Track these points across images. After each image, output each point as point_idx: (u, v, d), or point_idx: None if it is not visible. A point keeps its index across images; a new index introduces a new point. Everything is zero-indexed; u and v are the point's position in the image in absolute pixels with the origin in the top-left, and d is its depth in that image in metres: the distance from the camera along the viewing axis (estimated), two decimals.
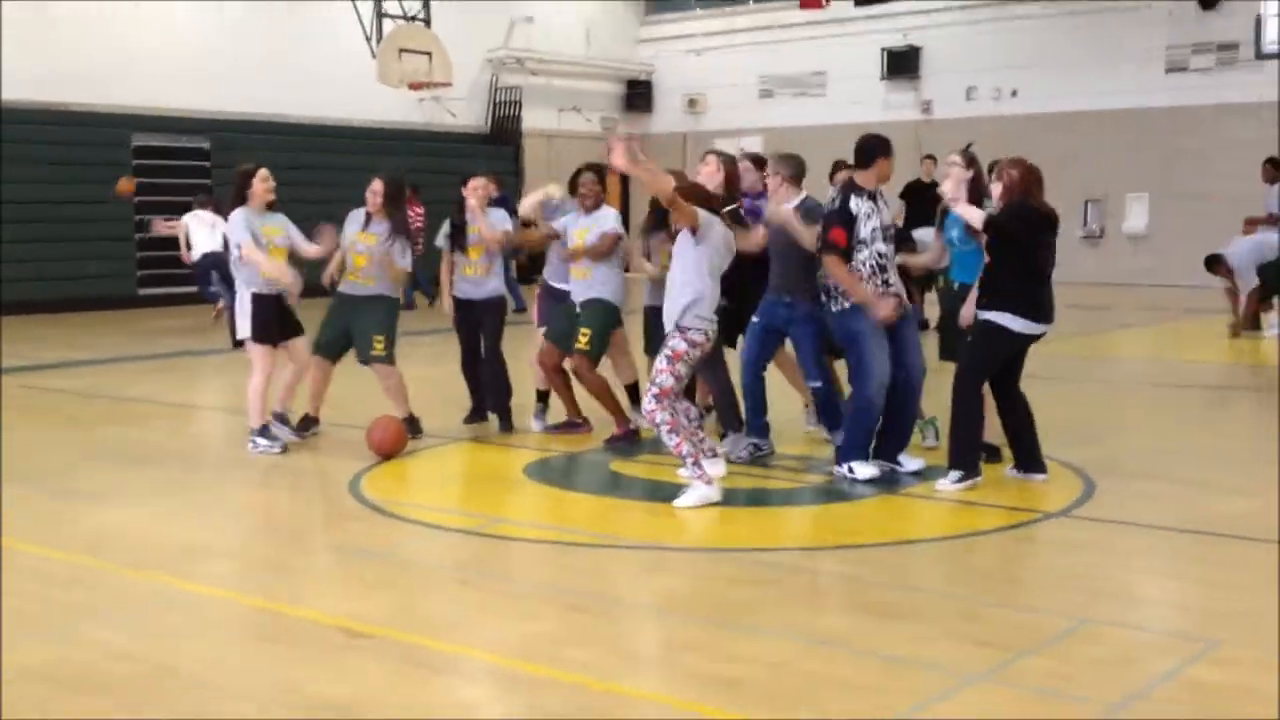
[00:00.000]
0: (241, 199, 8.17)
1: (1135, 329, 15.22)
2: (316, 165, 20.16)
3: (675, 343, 6.77)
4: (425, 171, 19.03)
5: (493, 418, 8.99)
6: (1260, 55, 18.95)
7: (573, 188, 8.73)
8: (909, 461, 7.41)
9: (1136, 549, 6.12)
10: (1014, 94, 22.53)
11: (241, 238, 8.01)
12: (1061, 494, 6.92)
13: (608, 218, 8.56)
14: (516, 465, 7.92)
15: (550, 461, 8.13)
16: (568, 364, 8.54)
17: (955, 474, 6.94)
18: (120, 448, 8.62)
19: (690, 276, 6.75)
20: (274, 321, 8.16)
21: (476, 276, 8.86)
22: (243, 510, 7.11)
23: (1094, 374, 12.45)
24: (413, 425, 8.52)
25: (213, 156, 20.14)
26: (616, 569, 5.85)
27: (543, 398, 9.03)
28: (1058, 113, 21.53)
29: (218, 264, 14.43)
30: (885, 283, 7.22)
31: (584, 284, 8.49)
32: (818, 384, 7.81)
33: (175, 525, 6.54)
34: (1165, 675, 4.33)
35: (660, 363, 6.81)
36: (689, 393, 8.19)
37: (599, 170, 8.62)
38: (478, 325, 8.98)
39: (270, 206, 8.23)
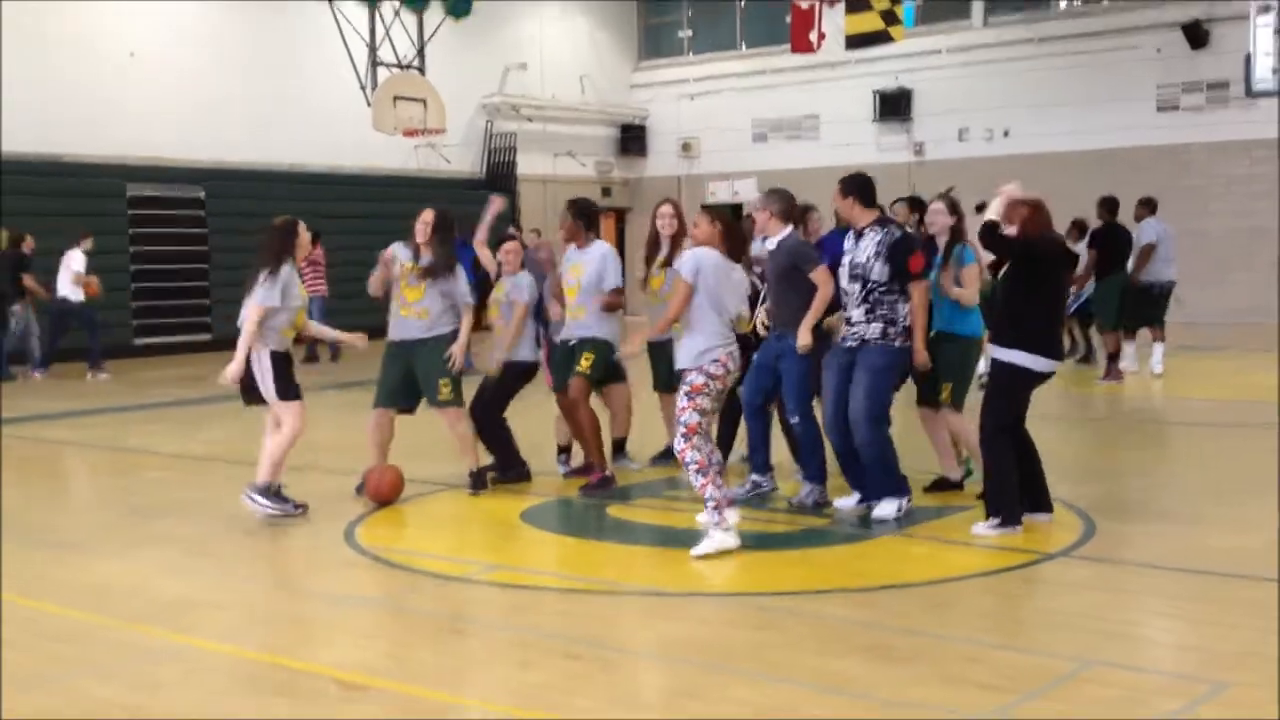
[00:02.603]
0: (286, 253, 7.67)
1: (1128, 365, 15.21)
2: (312, 213, 20.15)
3: (693, 378, 6.68)
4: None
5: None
6: (1251, 93, 19.04)
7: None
8: (880, 508, 7.36)
9: (1139, 589, 6.09)
10: (1006, 134, 22.65)
11: (275, 302, 7.52)
12: (1062, 534, 6.89)
13: (604, 261, 8.40)
14: (514, 511, 7.88)
15: (548, 507, 8.09)
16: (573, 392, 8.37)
17: (994, 520, 6.87)
18: (117, 498, 8.58)
19: (694, 323, 6.73)
20: (293, 378, 7.73)
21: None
22: (239, 561, 7.04)
23: (1089, 411, 12.43)
24: (476, 479, 8.28)
25: (208, 205, 20.19)
26: (616, 615, 5.81)
27: (564, 449, 8.97)
28: (1050, 153, 21.64)
29: None
30: (847, 320, 7.31)
31: (578, 324, 8.43)
32: (796, 419, 7.74)
33: (171, 577, 6.49)
34: (1171, 717, 4.29)
35: (681, 401, 6.73)
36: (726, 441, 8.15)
37: (581, 207, 8.59)
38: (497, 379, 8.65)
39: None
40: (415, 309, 8.12)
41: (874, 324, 7.27)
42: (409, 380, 8.22)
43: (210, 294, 19.68)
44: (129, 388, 15.47)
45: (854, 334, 7.33)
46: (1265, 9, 18.12)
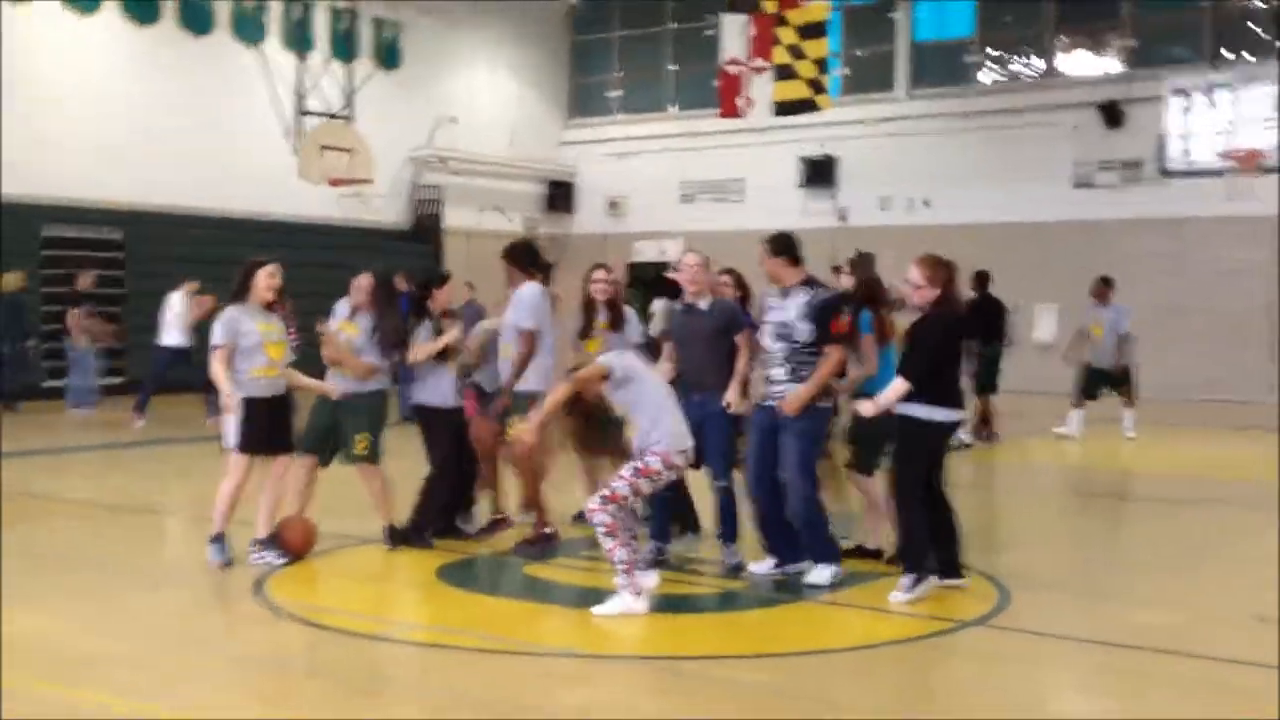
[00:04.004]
0: (242, 293, 7.71)
1: (1043, 437, 15.48)
2: (232, 259, 19.90)
3: (650, 460, 6.64)
4: (344, 267, 18.88)
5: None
6: (1164, 172, 19.59)
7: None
8: (814, 573, 7.32)
9: (1053, 660, 6.13)
10: (927, 204, 23.03)
11: (219, 340, 7.51)
12: (978, 603, 6.92)
13: (524, 299, 8.21)
14: (429, 568, 7.75)
15: (464, 564, 7.97)
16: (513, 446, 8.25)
17: (909, 579, 6.87)
18: (21, 548, 8.30)
19: (639, 410, 6.74)
20: (257, 429, 7.59)
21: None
22: (146, 616, 6.82)
23: (1004, 481, 12.58)
24: (393, 534, 8.16)
25: (127, 248, 19.86)
26: (530, 678, 5.72)
27: (470, 503, 8.79)
28: (970, 224, 22.00)
29: None
30: (768, 379, 7.35)
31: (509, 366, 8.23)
32: (724, 484, 7.69)
33: (76, 633, 6.28)
34: None
35: (626, 470, 6.69)
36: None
37: (515, 252, 8.53)
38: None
39: (269, 307, 7.76)
40: (341, 368, 8.10)
41: (796, 385, 7.27)
42: (331, 433, 8.13)
43: (127, 336, 19.28)
44: (37, 431, 15.08)
45: (776, 394, 7.34)
46: (1178, 92, 18.71)
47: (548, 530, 8.25)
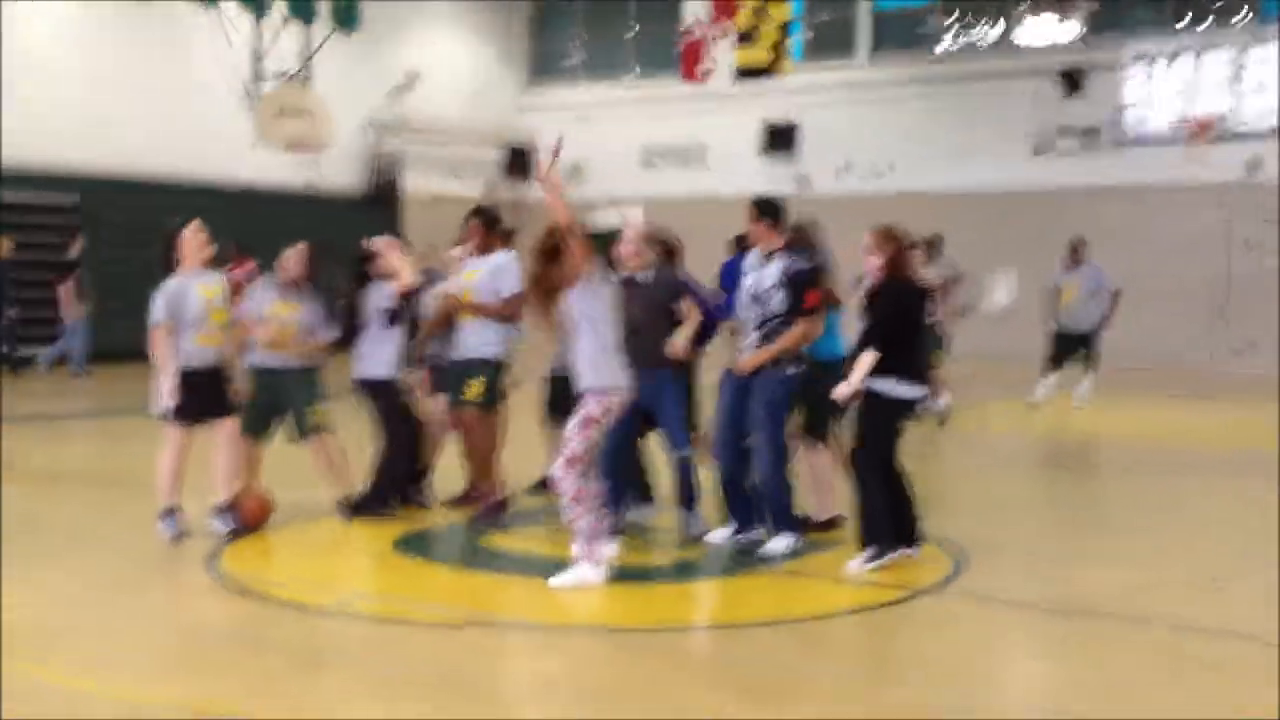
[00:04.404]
0: (172, 263, 7.56)
1: (1000, 402, 15.57)
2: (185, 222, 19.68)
3: (591, 406, 6.57)
4: (303, 233, 18.68)
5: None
6: (1121, 142, 19.67)
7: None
8: (774, 543, 7.31)
9: (1010, 627, 6.17)
10: (888, 171, 23.03)
11: (161, 317, 7.39)
12: (933, 570, 6.95)
13: (505, 267, 8.20)
14: (386, 539, 7.71)
15: (421, 535, 7.93)
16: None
17: (868, 553, 6.86)
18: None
19: (587, 336, 6.59)
20: (195, 399, 7.47)
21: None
22: (95, 587, 6.76)
23: (959, 448, 12.64)
24: (350, 506, 8.09)
25: (83, 212, 19.57)
26: (484, 650, 5.69)
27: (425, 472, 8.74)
28: (930, 191, 22.03)
29: None
30: (740, 347, 7.36)
31: (467, 341, 8.16)
32: (684, 454, 7.66)
33: (23, 604, 6.19)
34: None
35: (572, 428, 6.63)
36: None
37: (486, 215, 8.48)
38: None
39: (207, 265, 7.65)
40: (277, 343, 7.99)
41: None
42: (275, 408, 8.06)
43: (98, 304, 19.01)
44: (28, 399, 14.87)
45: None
46: (1139, 58, 18.76)
47: (498, 498, 8.21)
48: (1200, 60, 18.39)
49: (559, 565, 6.67)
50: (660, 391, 7.53)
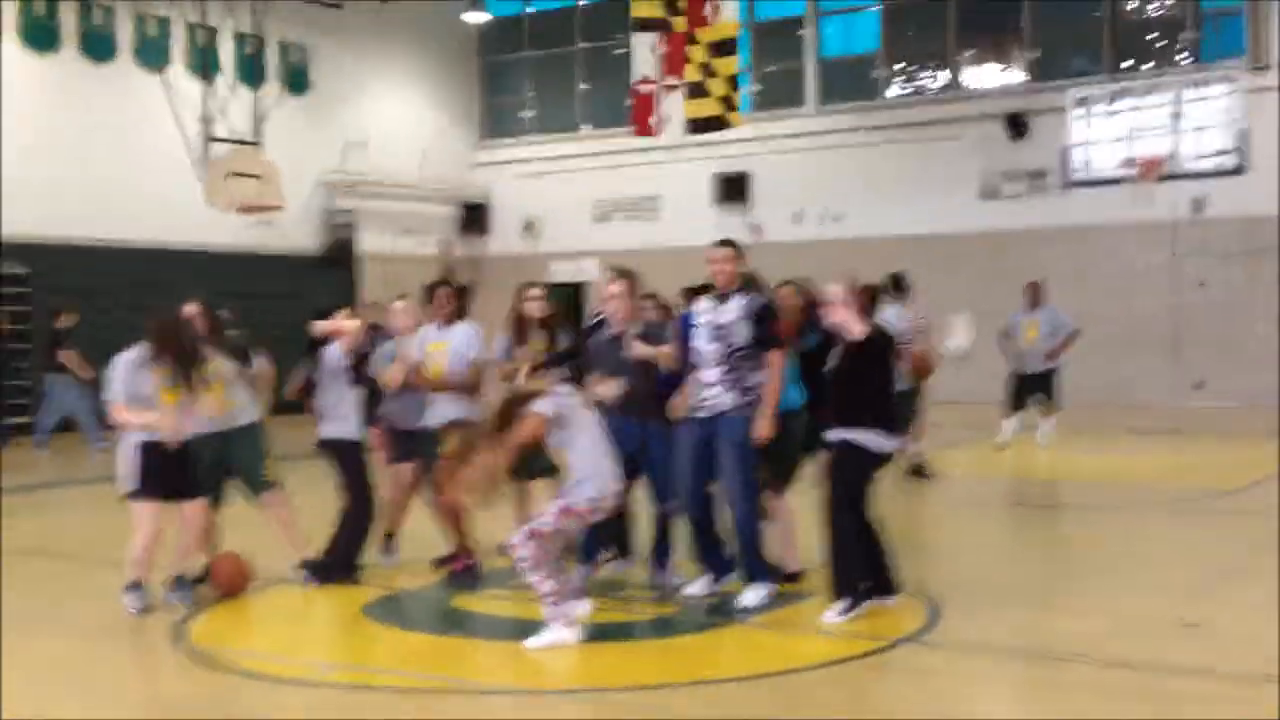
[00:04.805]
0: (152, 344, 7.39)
1: (961, 447, 15.63)
2: (143, 289, 19.49)
3: (579, 502, 6.55)
4: (256, 295, 18.58)
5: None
6: (1067, 184, 19.94)
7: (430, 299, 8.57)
8: (746, 596, 7.28)
9: (987, 675, 6.16)
10: (840, 218, 23.21)
11: (119, 396, 7.26)
12: (909, 619, 6.93)
13: (467, 337, 8.26)
14: (354, 605, 7.61)
15: (390, 599, 7.84)
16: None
17: (842, 604, 6.84)
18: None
19: (572, 451, 6.63)
20: (160, 475, 7.33)
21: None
22: (61, 666, 6.60)
23: (926, 493, 12.68)
24: (313, 568, 7.99)
25: (32, 282, 19.34)
26: (464, 716, 5.62)
27: (390, 535, 8.68)
28: (881, 236, 22.23)
29: None
30: (700, 384, 7.32)
31: (441, 406, 8.19)
32: (671, 506, 7.62)
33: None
34: None
35: (553, 507, 6.61)
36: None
37: (455, 285, 8.55)
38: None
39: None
40: (219, 405, 7.86)
41: (731, 391, 7.24)
42: (218, 470, 7.93)
43: (33, 375, 18.76)
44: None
45: (710, 401, 7.28)
46: (1081, 102, 19.07)
47: (470, 561, 8.16)
48: (1143, 102, 18.71)
49: (533, 626, 6.61)
50: (648, 443, 7.53)
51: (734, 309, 7.31)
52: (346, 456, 8.23)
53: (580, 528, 6.74)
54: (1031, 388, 15.18)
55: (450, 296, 8.45)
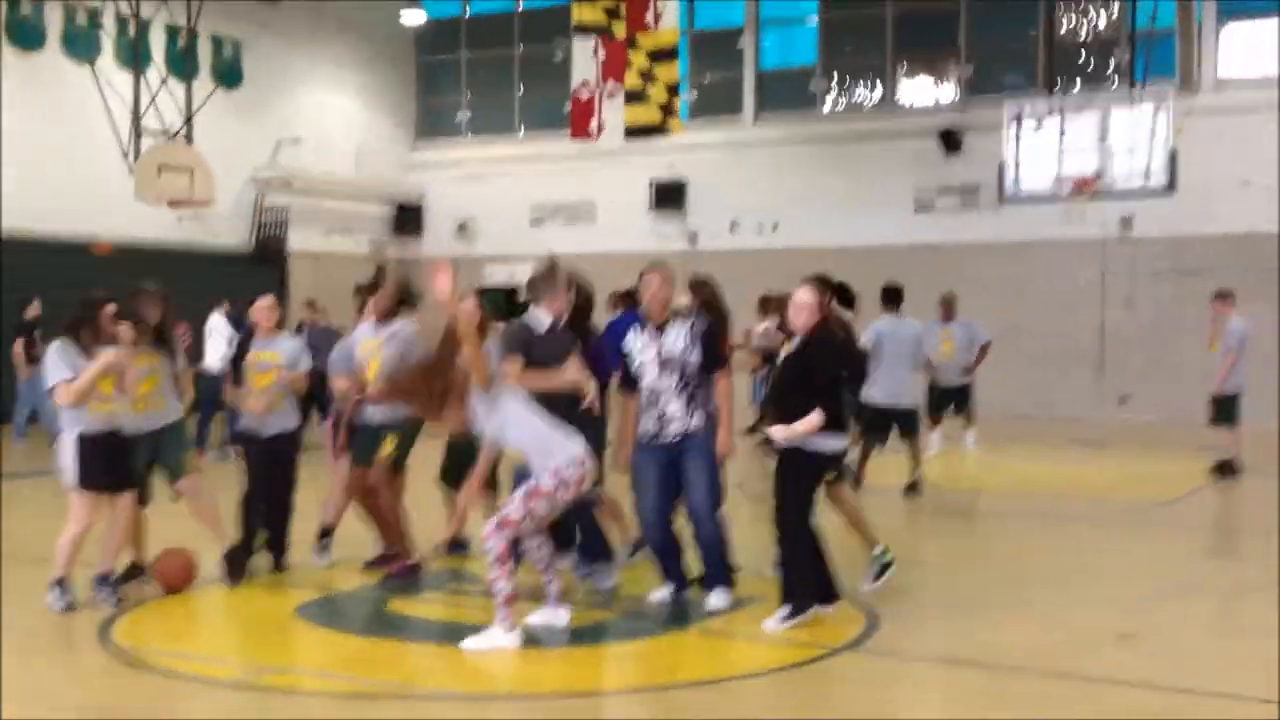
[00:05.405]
0: (78, 328, 7.26)
1: (897, 455, 15.71)
2: (70, 284, 19.04)
3: (543, 478, 6.44)
4: (184, 291, 18.21)
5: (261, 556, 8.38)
6: (1003, 199, 20.17)
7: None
8: (713, 598, 7.28)
9: (926, 684, 6.17)
10: (775, 228, 23.31)
11: (64, 376, 7.09)
12: (847, 627, 6.92)
13: (408, 337, 8.12)
14: (289, 606, 7.46)
15: (326, 601, 7.69)
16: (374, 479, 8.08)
17: (784, 611, 6.81)
18: None
19: (517, 432, 6.49)
20: (103, 467, 7.21)
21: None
22: None
23: (861, 501, 12.70)
24: (234, 562, 7.87)
25: None
26: (399, 719, 5.53)
27: (327, 533, 8.53)
28: (816, 247, 22.30)
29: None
30: (663, 416, 7.22)
31: (381, 405, 8.01)
32: (593, 494, 7.64)
33: None
34: None
35: (518, 492, 6.51)
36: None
37: (395, 286, 8.42)
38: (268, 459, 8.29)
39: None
40: (147, 402, 7.72)
41: (696, 415, 7.23)
42: (146, 468, 7.80)
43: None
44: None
45: (677, 429, 7.23)
46: (1015, 119, 19.30)
47: (411, 562, 8.06)
48: (1075, 121, 18.98)
49: (469, 629, 6.52)
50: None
51: (680, 337, 7.25)
52: (284, 451, 8.23)
53: (552, 509, 6.56)
54: (948, 401, 15.38)
55: (387, 297, 8.36)
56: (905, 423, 12.25)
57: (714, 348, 7.30)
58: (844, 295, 7.37)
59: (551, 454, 6.46)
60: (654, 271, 7.40)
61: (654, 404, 7.24)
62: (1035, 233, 20.95)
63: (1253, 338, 13.79)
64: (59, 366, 7.16)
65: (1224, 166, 19.33)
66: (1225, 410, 13.50)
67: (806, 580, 6.88)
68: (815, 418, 6.77)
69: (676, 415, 7.22)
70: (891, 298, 12.47)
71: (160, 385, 7.79)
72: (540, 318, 7.55)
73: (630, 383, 7.34)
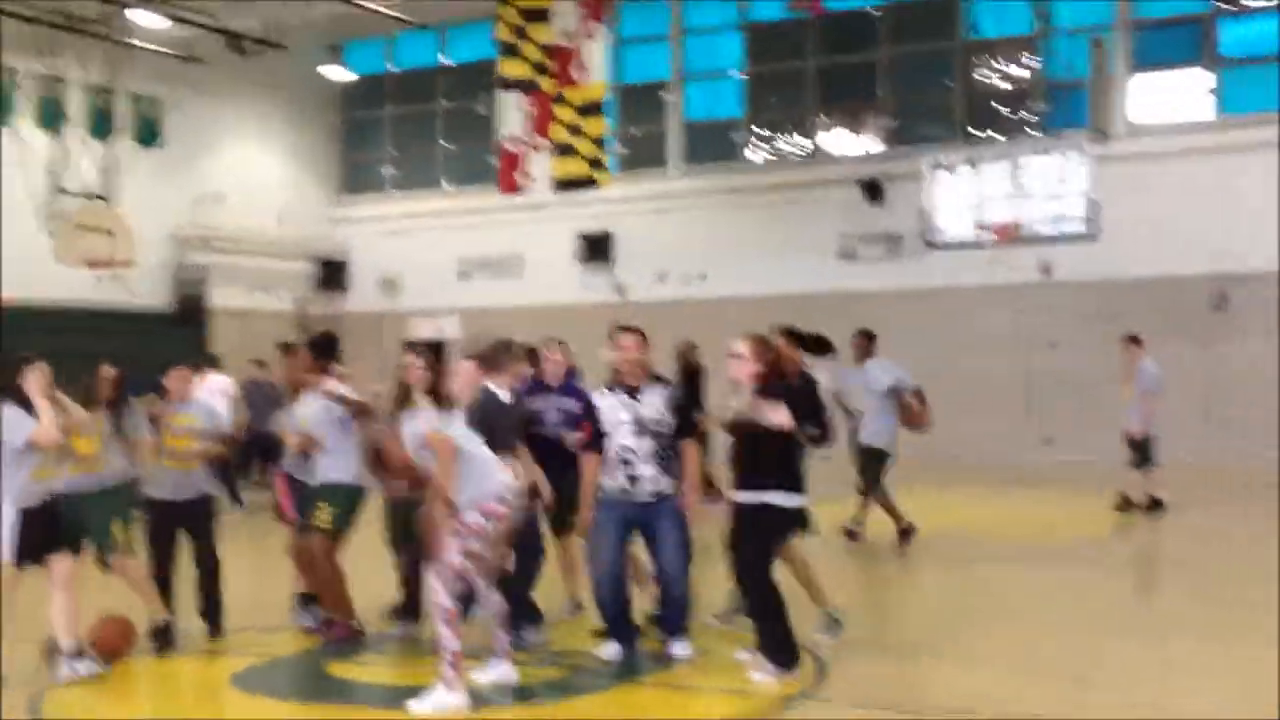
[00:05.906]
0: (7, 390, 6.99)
1: (836, 500, 15.75)
2: None
3: (469, 516, 6.38)
4: (105, 353, 17.87)
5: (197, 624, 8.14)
6: (928, 244, 20.45)
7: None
8: (678, 647, 7.27)
9: None
10: (703, 278, 23.43)
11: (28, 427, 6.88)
12: (802, 674, 6.85)
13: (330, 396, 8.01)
14: (223, 674, 7.27)
15: (260, 668, 7.48)
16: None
17: (773, 666, 6.75)
18: None
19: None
20: (40, 538, 6.98)
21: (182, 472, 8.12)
22: None
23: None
24: (164, 634, 7.63)
25: None
26: None
27: (308, 599, 8.24)
28: (742, 296, 22.47)
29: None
30: (630, 477, 7.18)
31: (320, 461, 7.93)
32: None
33: None
34: None
35: (451, 539, 6.40)
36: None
37: (315, 343, 8.33)
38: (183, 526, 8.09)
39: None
40: (88, 462, 7.51)
41: (665, 477, 7.22)
42: (80, 532, 7.46)
43: None
44: None
45: (650, 488, 7.20)
46: (934, 169, 19.64)
47: (354, 625, 7.88)
48: (993, 169, 19.35)
49: (412, 693, 6.38)
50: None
51: (655, 401, 7.26)
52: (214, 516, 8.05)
53: (486, 545, 6.49)
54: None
55: (308, 356, 8.24)
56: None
57: (689, 414, 7.44)
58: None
59: (469, 482, 6.41)
60: (629, 333, 7.37)
61: (626, 464, 7.20)
62: (956, 278, 21.25)
63: (1161, 379, 14.35)
64: (23, 420, 6.90)
65: (1139, 209, 19.75)
66: (1145, 451, 14.01)
67: (787, 632, 6.81)
68: (783, 415, 6.73)
69: (648, 475, 7.20)
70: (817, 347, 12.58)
71: (99, 446, 7.55)
72: (500, 388, 7.55)
73: (596, 443, 7.29)
